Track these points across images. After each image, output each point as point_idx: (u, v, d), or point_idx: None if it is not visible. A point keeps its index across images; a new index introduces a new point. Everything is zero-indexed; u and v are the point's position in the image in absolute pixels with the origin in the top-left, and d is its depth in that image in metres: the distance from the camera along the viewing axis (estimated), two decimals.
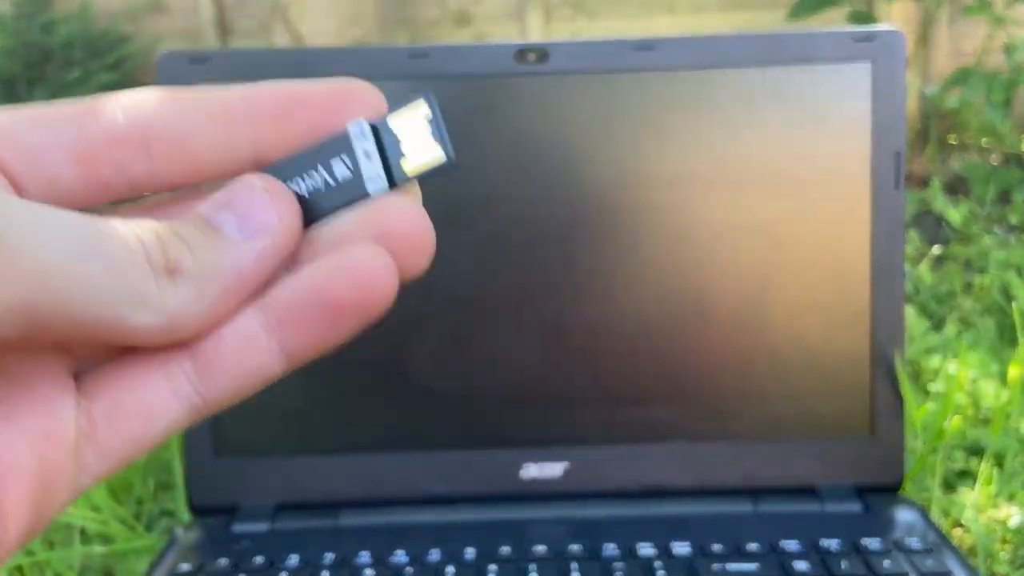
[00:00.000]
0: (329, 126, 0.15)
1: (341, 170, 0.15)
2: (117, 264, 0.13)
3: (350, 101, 0.16)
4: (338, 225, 0.16)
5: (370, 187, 0.15)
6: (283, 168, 0.16)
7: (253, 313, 0.15)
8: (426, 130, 0.15)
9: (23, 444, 0.14)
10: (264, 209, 0.15)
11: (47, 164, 0.15)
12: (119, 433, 0.15)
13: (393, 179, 0.15)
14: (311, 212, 0.15)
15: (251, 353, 0.15)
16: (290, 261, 0.16)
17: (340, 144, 0.15)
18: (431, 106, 0.15)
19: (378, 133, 0.15)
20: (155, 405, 0.15)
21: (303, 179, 0.15)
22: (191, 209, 0.15)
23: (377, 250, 0.15)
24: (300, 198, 0.15)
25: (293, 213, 0.15)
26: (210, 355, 0.15)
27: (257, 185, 0.15)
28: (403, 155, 0.15)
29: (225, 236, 0.15)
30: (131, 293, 0.13)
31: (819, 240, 0.39)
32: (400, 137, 0.15)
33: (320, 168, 0.15)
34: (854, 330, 0.39)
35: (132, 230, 0.14)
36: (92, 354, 0.16)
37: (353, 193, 0.15)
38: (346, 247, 0.15)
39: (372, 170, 0.15)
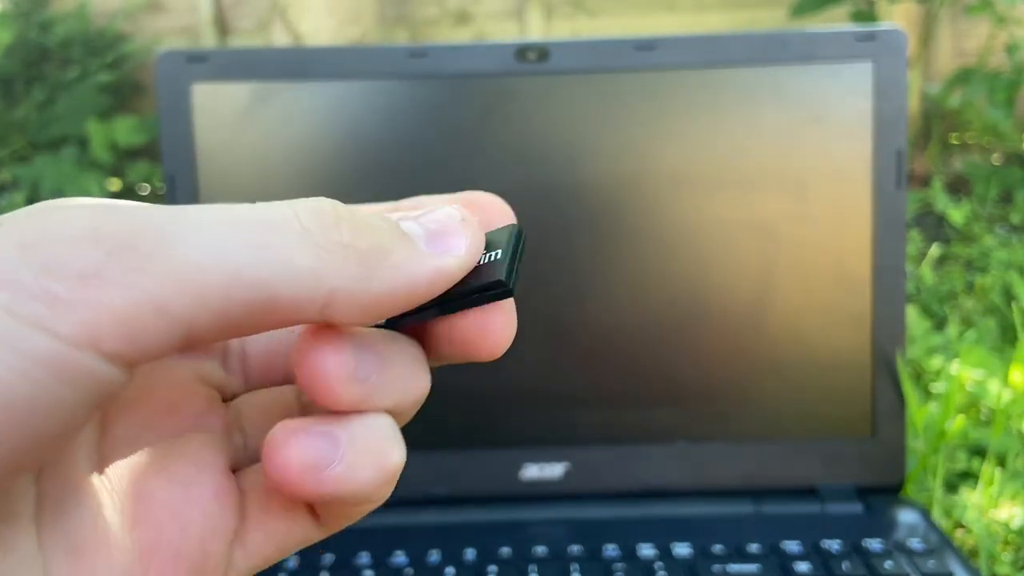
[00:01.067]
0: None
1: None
2: (259, 234, 0.13)
3: (480, 215, 0.16)
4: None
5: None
6: None
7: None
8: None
9: (195, 533, 0.14)
10: (456, 234, 0.15)
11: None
12: (267, 532, 0.15)
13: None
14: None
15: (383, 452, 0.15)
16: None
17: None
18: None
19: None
20: (294, 520, 0.15)
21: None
22: None
23: (281, 450, 0.14)
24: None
25: (477, 249, 0.15)
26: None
27: (456, 216, 0.15)
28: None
29: (410, 242, 0.14)
30: (283, 258, 0.13)
31: (820, 239, 0.39)
32: None
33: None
34: (855, 330, 0.39)
35: (289, 204, 0.14)
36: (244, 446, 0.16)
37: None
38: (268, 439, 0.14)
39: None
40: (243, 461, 0.16)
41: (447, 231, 0.15)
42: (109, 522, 0.14)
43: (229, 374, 0.17)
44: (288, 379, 0.17)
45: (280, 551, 0.16)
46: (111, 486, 0.14)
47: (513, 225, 0.16)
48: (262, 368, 0.17)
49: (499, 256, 0.15)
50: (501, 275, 0.15)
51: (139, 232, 0.12)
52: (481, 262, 0.15)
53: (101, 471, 0.14)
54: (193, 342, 0.12)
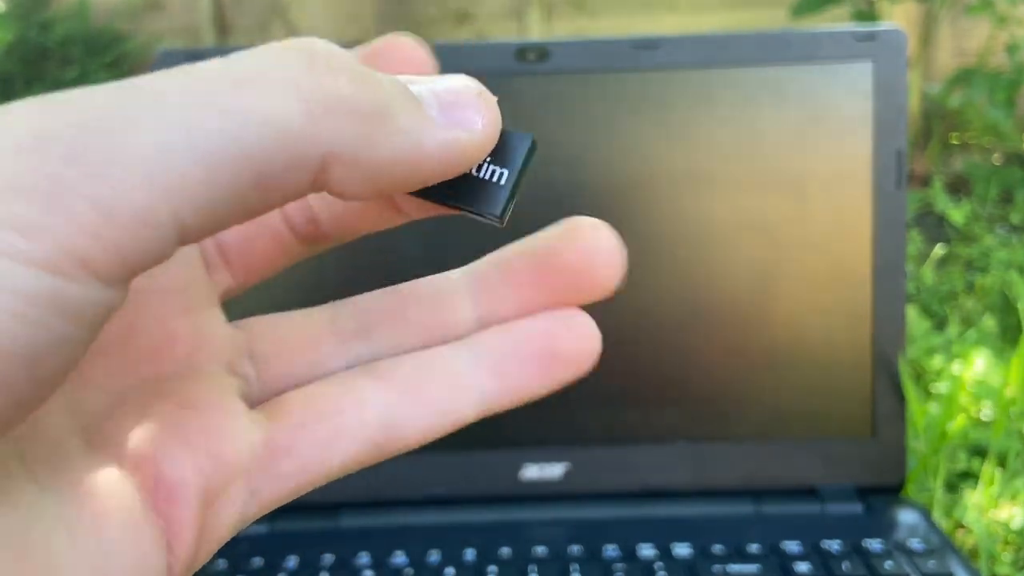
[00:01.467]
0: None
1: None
2: (230, 104, 0.10)
3: (388, 58, 0.14)
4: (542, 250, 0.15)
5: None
6: None
7: (464, 350, 0.14)
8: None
9: (189, 464, 0.13)
10: (473, 108, 0.13)
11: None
12: (296, 459, 0.14)
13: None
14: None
15: (456, 388, 0.14)
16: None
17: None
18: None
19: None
20: (342, 435, 0.14)
21: None
22: None
23: (581, 324, 0.15)
24: None
25: (494, 129, 0.13)
26: (409, 388, 0.14)
27: (473, 88, 0.13)
28: None
29: (420, 106, 0.12)
30: (265, 118, 0.11)
31: (820, 240, 0.39)
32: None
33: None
34: (855, 330, 0.39)
35: (275, 50, 0.11)
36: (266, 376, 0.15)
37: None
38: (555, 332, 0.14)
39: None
40: (256, 392, 0.15)
41: (462, 103, 0.13)
42: (102, 469, 0.13)
43: (213, 272, 0.16)
44: (275, 260, 0.16)
45: (323, 476, 0.14)
46: (100, 436, 0.13)
47: (528, 136, 0.14)
48: (242, 253, 0.16)
49: (504, 177, 0.13)
50: (496, 209, 0.13)
51: (90, 125, 0.10)
52: (481, 171, 0.14)
53: (79, 417, 0.13)
54: (187, 240, 0.11)
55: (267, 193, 0.11)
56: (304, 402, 0.14)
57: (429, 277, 0.16)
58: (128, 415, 0.14)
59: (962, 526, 0.42)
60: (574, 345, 0.14)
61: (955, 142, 1.07)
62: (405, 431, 0.15)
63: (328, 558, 0.36)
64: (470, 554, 0.36)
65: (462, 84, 0.13)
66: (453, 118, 0.13)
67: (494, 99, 0.13)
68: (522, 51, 0.38)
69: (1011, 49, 0.94)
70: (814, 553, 0.35)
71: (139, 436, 0.13)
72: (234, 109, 0.10)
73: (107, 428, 0.13)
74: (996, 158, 1.02)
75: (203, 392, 0.14)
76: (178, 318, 0.15)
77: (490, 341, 0.15)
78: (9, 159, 0.10)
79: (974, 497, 0.43)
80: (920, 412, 0.40)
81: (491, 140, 0.13)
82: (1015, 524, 0.41)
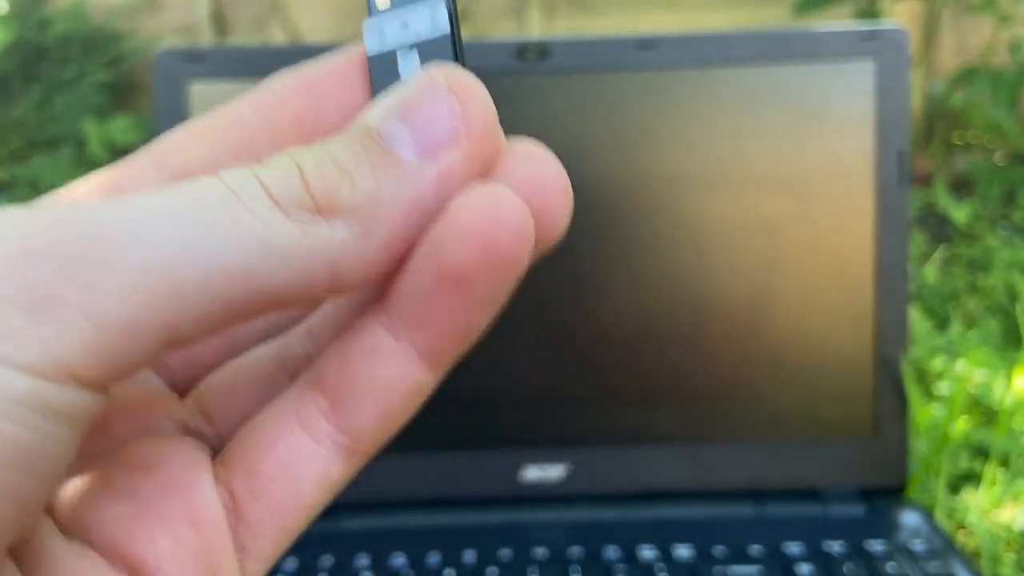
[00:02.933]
0: (342, 107, 0.13)
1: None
2: (221, 222, 0.11)
3: (359, 76, 0.13)
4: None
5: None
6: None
7: (371, 317, 0.13)
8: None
9: (167, 538, 0.12)
10: (450, 117, 0.12)
11: None
12: (266, 504, 0.13)
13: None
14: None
15: (384, 365, 0.13)
16: None
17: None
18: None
19: None
20: (296, 459, 0.13)
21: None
22: (352, 119, 0.12)
23: (490, 190, 0.12)
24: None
25: (488, 117, 0.12)
26: (337, 381, 0.13)
27: (441, 84, 0.12)
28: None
29: (397, 157, 0.12)
30: (259, 246, 0.11)
31: (822, 240, 0.38)
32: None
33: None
34: (858, 330, 0.39)
35: (247, 171, 0.11)
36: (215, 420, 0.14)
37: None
38: (453, 200, 0.12)
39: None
40: (216, 444, 0.14)
41: (437, 120, 0.12)
42: (90, 566, 0.12)
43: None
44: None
45: (291, 536, 0.13)
46: (74, 522, 0.13)
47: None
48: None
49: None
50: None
51: (84, 235, 0.10)
52: (399, 67, 0.13)
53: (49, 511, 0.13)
54: (178, 345, 0.11)
55: (273, 304, 0.11)
56: (246, 439, 0.13)
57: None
58: (96, 495, 0.13)
59: (964, 528, 0.42)
60: (478, 252, 0.12)
61: (957, 141, 1.07)
62: (364, 425, 0.13)
63: (327, 560, 0.36)
64: (470, 556, 0.36)
65: (427, 83, 0.12)
66: (434, 144, 0.12)
67: (471, 78, 0.12)
68: (522, 49, 0.38)
69: (1014, 48, 0.93)
70: (816, 555, 0.35)
71: (112, 520, 0.13)
72: (228, 230, 0.11)
73: (79, 513, 0.13)
74: (999, 157, 1.02)
75: (166, 455, 0.13)
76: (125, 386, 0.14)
77: (394, 289, 0.13)
78: (8, 267, 0.10)
79: (976, 499, 0.43)
80: (922, 413, 0.40)
81: (491, 136, 0.12)
82: (1017, 526, 0.41)
